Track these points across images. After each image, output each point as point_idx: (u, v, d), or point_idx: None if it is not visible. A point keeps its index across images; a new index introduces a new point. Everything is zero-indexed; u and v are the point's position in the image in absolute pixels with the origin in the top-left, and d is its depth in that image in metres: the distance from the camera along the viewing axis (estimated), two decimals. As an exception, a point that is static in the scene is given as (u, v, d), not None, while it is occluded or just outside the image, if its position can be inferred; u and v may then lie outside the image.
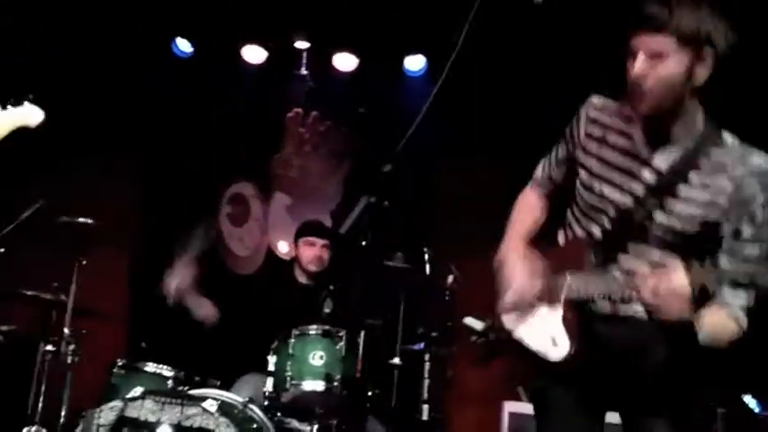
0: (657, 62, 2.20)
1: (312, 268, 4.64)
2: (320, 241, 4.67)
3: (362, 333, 3.71)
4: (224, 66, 6.19)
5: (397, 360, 4.02)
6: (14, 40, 5.61)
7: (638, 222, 2.30)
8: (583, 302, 2.37)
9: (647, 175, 2.32)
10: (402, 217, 3.60)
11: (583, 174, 2.44)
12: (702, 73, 2.22)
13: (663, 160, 2.32)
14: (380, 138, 5.54)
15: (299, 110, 6.27)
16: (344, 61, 6.09)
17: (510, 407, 4.61)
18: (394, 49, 5.91)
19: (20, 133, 3.03)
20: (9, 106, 2.97)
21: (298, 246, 4.71)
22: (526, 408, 4.59)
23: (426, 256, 4.16)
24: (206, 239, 4.48)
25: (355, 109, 5.96)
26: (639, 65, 2.21)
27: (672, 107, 2.26)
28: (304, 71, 6.15)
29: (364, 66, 6.06)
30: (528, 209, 2.66)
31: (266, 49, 6.14)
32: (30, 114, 3.00)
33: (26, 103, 3.00)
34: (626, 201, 2.34)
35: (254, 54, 6.17)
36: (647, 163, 2.33)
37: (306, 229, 4.77)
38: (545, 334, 2.42)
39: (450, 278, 4.28)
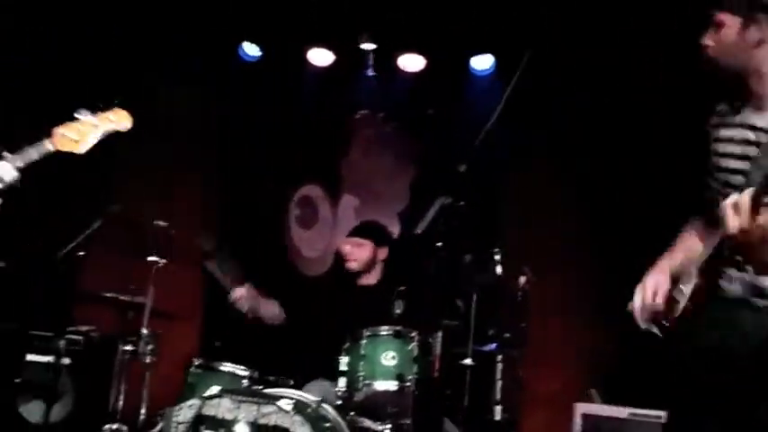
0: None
1: (349, 267, 4.69)
2: (352, 240, 4.72)
3: (440, 334, 3.72)
4: (291, 69, 6.27)
5: (469, 361, 4.03)
6: (92, 44, 5.78)
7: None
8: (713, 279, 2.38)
9: (752, 136, 2.52)
10: (474, 217, 3.60)
11: (714, 158, 2.65)
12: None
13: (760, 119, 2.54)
14: (448, 139, 5.59)
15: (366, 112, 6.31)
16: (410, 62, 6.12)
17: (582, 408, 4.58)
18: (460, 48, 5.91)
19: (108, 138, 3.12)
20: (99, 112, 3.07)
21: None
22: (598, 409, 4.56)
23: (497, 257, 4.16)
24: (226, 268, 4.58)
25: (422, 110, 5.98)
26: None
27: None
28: (370, 73, 6.20)
29: (430, 66, 6.08)
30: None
31: (332, 51, 6.21)
32: (119, 119, 3.09)
33: (115, 108, 3.10)
34: (744, 166, 2.50)
35: (320, 57, 6.24)
36: (752, 127, 2.54)
37: (349, 232, 4.86)
38: None
39: (523, 279, 4.27)
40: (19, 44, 5.66)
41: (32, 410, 4.84)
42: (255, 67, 6.32)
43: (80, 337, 5.07)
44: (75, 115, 3.09)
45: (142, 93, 6.15)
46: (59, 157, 3.18)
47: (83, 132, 3.08)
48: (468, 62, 6.00)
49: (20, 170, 3.06)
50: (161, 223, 4.47)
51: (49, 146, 3.07)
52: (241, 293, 4.53)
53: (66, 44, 5.78)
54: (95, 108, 3.11)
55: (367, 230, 4.82)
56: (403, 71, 6.14)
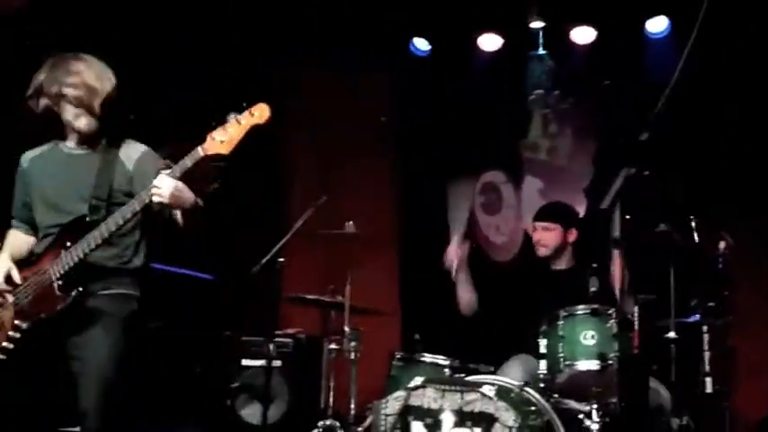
0: None
1: (539, 253, 4.63)
2: (540, 224, 4.64)
3: (636, 309, 3.62)
4: (462, 58, 6.29)
5: (672, 334, 3.89)
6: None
7: None
8: None
9: None
10: (664, 186, 3.48)
11: None
12: None
13: None
14: (628, 108, 5.41)
15: (541, 91, 6.23)
16: (582, 35, 5.98)
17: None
18: (633, 13, 5.71)
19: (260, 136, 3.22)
20: (244, 111, 3.19)
21: None
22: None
23: (693, 224, 3.99)
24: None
25: (597, 82, 5.83)
26: None
27: None
28: (542, 51, 6.12)
29: (603, 36, 5.91)
30: None
31: (501, 35, 6.18)
32: (260, 112, 3.18)
33: (257, 103, 3.19)
34: None
35: (490, 42, 6.23)
36: None
37: (535, 214, 4.79)
38: None
39: (722, 245, 4.07)
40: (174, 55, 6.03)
41: (251, 413, 5.15)
42: (428, 61, 6.40)
43: (289, 340, 5.34)
44: (227, 117, 3.18)
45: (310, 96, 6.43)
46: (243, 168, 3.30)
47: (230, 134, 3.17)
48: (642, 27, 5.79)
49: (179, 179, 3.19)
50: (351, 224, 4.61)
51: (200, 152, 3.18)
52: (453, 250, 4.55)
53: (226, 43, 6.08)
54: (241, 108, 3.19)
55: (554, 213, 4.74)
56: (575, 45, 6.01)
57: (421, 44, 6.40)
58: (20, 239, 3.52)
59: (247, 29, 6.19)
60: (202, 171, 3.27)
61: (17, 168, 3.52)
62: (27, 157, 3.52)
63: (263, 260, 4.40)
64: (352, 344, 4.57)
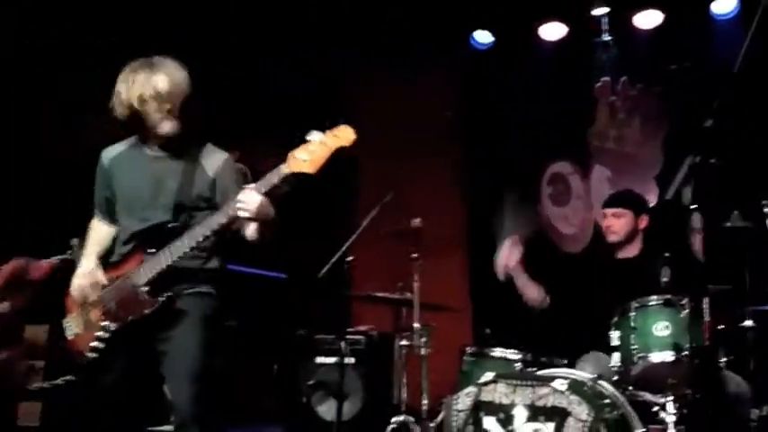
0: None
1: (609, 239, 4.58)
2: (610, 211, 4.60)
3: (706, 299, 3.56)
4: (524, 49, 6.24)
5: (749, 323, 3.81)
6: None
7: None
8: None
9: None
10: (734, 173, 3.39)
11: None
12: None
13: None
14: (695, 92, 5.30)
15: (607, 78, 6.14)
16: (647, 19, 5.87)
17: None
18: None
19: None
20: (327, 131, 3.24)
21: None
22: None
23: (766, 210, 3.88)
24: (527, 221, 4.56)
25: (664, 67, 5.72)
26: None
27: None
28: (606, 37, 6.03)
29: (668, 19, 5.79)
30: None
31: (564, 23, 6.11)
32: (345, 134, 3.23)
33: (341, 125, 3.25)
34: None
35: (552, 31, 6.17)
36: None
37: (605, 202, 4.74)
38: None
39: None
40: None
41: (327, 409, 5.22)
42: (490, 54, 6.37)
43: (361, 337, 5.39)
44: (306, 137, 3.22)
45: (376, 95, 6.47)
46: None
47: (314, 152, 3.20)
48: (708, 8, 5.66)
49: (265, 195, 3.27)
50: (417, 220, 4.63)
51: (285, 169, 3.23)
52: (501, 258, 4.56)
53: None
54: (323, 128, 3.23)
55: (624, 199, 4.70)
56: (639, 30, 5.90)
57: (482, 37, 6.37)
58: (103, 231, 3.64)
59: (313, 30, 6.27)
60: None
61: (97, 164, 3.62)
62: (108, 154, 3.61)
63: (332, 259, 4.44)
64: (423, 340, 4.59)
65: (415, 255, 4.70)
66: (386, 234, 4.85)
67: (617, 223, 4.56)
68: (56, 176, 5.95)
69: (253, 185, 3.28)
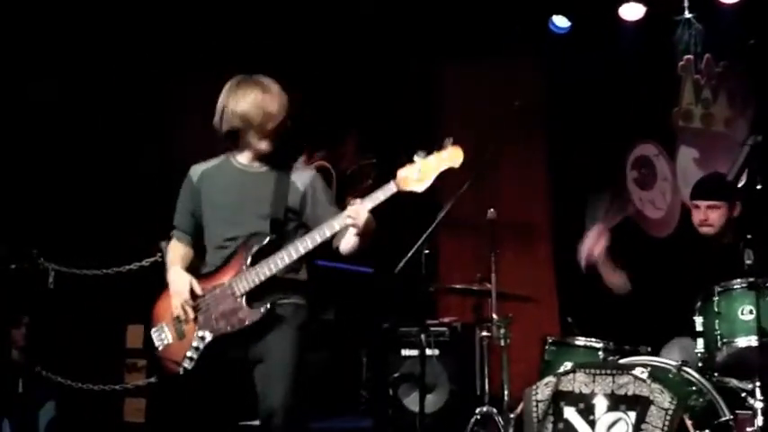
0: None
1: (703, 231, 4.41)
2: (703, 203, 4.40)
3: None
4: (604, 31, 6.12)
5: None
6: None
7: None
8: None
9: None
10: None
11: None
12: None
13: None
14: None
15: (690, 56, 5.96)
16: (729, -7, 5.67)
17: None
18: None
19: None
20: (435, 152, 3.32)
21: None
22: None
23: None
24: (613, 209, 4.49)
25: (747, 42, 5.50)
26: None
27: None
28: (687, 15, 5.86)
29: (751, -7, 5.59)
30: None
31: (643, 2, 5.96)
32: (453, 156, 3.32)
33: (449, 146, 3.32)
34: None
35: (632, 11, 6.01)
36: None
37: (693, 190, 4.55)
38: None
39: None
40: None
41: (414, 401, 5.26)
42: (570, 38, 6.28)
43: (444, 329, 5.42)
44: (414, 158, 3.33)
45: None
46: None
47: (423, 172, 3.30)
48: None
49: (371, 211, 3.38)
50: (492, 211, 4.62)
51: (393, 187, 3.34)
52: (585, 245, 4.51)
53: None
54: (431, 150, 3.33)
55: (718, 190, 4.47)
56: (722, 4, 5.69)
57: (560, 21, 6.27)
58: (181, 251, 3.68)
59: (391, 26, 6.33)
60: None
61: (184, 179, 3.70)
62: (197, 170, 3.68)
63: (409, 253, 4.48)
64: (502, 331, 4.59)
65: (491, 245, 4.68)
66: (462, 226, 4.86)
67: (712, 216, 4.38)
68: (149, 187, 6.17)
69: (359, 200, 3.37)
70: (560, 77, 6.33)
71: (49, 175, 6.02)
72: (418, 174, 3.29)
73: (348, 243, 3.49)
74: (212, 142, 3.68)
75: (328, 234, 3.39)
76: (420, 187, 3.30)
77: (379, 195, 3.35)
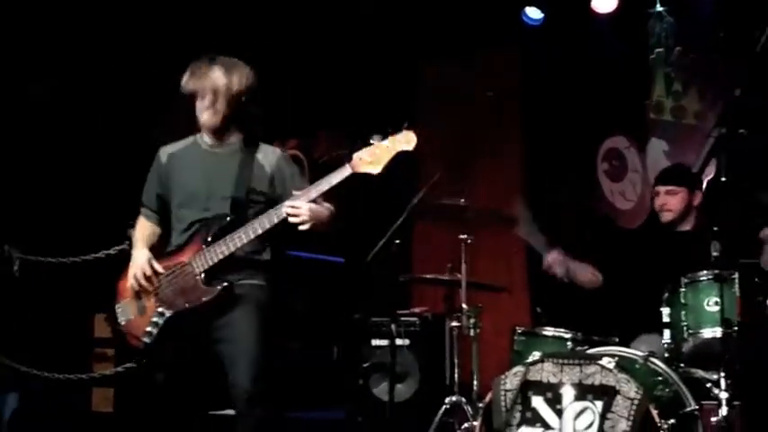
0: None
1: (663, 217, 4.48)
2: (663, 188, 4.48)
3: (737, 274, 3.50)
4: (577, 23, 6.14)
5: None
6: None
7: None
8: None
9: None
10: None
11: None
12: None
13: None
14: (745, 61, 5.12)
15: (661, 49, 6.00)
16: (700, -13, 5.71)
17: None
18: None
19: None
20: (390, 135, 3.38)
21: None
22: None
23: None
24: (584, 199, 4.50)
25: (717, 35, 5.55)
26: None
27: None
28: (659, 8, 5.89)
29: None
30: None
31: (616, -6, 5.98)
32: (408, 140, 3.37)
33: (404, 130, 3.37)
34: None
35: (605, 3, 6.02)
36: None
37: (656, 178, 4.64)
38: None
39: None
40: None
41: (384, 391, 5.26)
42: (543, 30, 6.28)
43: (415, 319, 5.42)
44: (371, 141, 3.38)
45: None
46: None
47: (378, 155, 3.36)
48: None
49: (318, 197, 3.42)
50: (463, 200, 4.62)
51: (348, 169, 3.39)
52: (553, 258, 4.56)
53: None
54: (386, 133, 3.39)
55: (678, 176, 4.56)
56: (693, -1, 5.74)
57: (533, 13, 6.28)
58: (150, 230, 3.77)
59: (370, 20, 6.31)
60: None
61: (153, 160, 3.76)
62: (166, 151, 3.75)
63: (380, 243, 4.48)
64: (472, 321, 4.60)
65: (462, 235, 4.69)
66: (432, 216, 4.85)
67: (671, 201, 4.46)
68: (118, 175, 6.12)
69: (301, 193, 3.41)
70: (534, 69, 6.35)
71: (14, 163, 5.93)
72: (373, 156, 3.35)
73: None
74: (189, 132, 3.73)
75: (276, 220, 3.42)
76: (375, 169, 3.35)
77: (333, 178, 3.40)
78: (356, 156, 3.37)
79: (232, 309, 3.49)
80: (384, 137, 3.38)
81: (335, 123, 6.93)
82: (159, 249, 3.69)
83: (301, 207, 3.38)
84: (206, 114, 3.58)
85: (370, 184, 5.76)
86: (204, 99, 3.55)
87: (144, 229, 3.78)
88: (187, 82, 3.59)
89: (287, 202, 3.41)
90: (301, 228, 3.41)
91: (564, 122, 6.22)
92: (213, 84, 3.54)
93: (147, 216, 3.79)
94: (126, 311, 3.68)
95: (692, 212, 4.48)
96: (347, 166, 3.38)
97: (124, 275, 3.69)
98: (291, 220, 3.39)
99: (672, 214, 4.47)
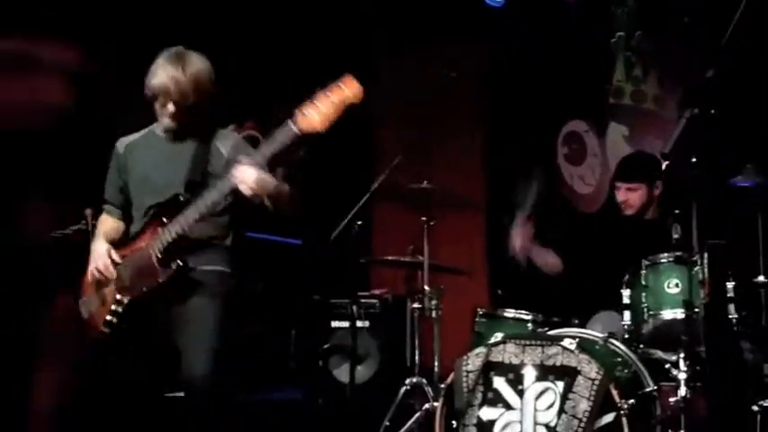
0: None
1: (626, 213, 4.49)
2: (623, 185, 4.48)
3: (705, 255, 3.53)
4: (539, 7, 6.14)
5: (762, 278, 3.75)
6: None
7: None
8: None
9: None
10: (741, 126, 3.30)
11: None
12: None
13: None
14: (709, 45, 5.17)
15: (622, 33, 6.03)
16: (663, -29, 5.75)
17: None
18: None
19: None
20: (330, 85, 3.15)
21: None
22: None
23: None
24: (536, 193, 4.50)
25: (679, 20, 5.59)
26: None
27: None
28: (624, -7, 5.93)
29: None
30: None
31: (579, -23, 6.01)
32: (351, 88, 3.14)
33: (344, 78, 3.15)
34: None
35: (567, -14, 6.06)
36: None
37: (615, 171, 4.64)
38: None
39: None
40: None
41: (344, 372, 5.25)
42: (502, 12, 6.27)
43: (375, 301, 5.41)
44: (314, 96, 3.16)
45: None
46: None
47: (322, 112, 3.14)
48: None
49: (274, 162, 3.27)
50: (425, 183, 4.60)
51: (292, 127, 3.18)
52: (516, 240, 4.54)
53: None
54: (324, 84, 3.15)
55: (638, 171, 4.51)
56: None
57: (495, -5, 6.27)
58: (111, 226, 3.70)
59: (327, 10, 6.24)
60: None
61: (111, 153, 3.67)
62: (123, 142, 3.67)
63: (341, 224, 4.45)
64: (433, 302, 4.59)
65: (424, 218, 4.67)
66: (394, 197, 4.83)
67: (632, 197, 4.46)
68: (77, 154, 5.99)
69: (248, 159, 3.27)
70: (497, 53, 6.33)
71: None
72: (317, 110, 3.12)
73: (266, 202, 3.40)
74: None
75: (226, 191, 3.29)
76: (321, 125, 3.13)
77: (276, 138, 3.22)
78: (298, 111, 3.16)
79: (194, 296, 3.41)
80: (324, 88, 3.14)
81: (292, 102, 6.85)
82: (122, 242, 3.63)
83: (244, 174, 3.23)
84: (166, 110, 3.47)
85: (327, 164, 5.77)
86: (160, 100, 3.45)
87: (105, 225, 3.71)
88: (149, 77, 3.46)
89: (231, 171, 3.27)
90: (248, 195, 3.26)
91: (527, 106, 6.23)
92: (167, 86, 3.41)
93: (109, 212, 3.72)
94: (88, 305, 3.62)
95: (653, 203, 4.49)
96: (289, 123, 3.18)
97: (86, 272, 3.63)
98: (241, 187, 3.25)
99: (633, 209, 4.48)
